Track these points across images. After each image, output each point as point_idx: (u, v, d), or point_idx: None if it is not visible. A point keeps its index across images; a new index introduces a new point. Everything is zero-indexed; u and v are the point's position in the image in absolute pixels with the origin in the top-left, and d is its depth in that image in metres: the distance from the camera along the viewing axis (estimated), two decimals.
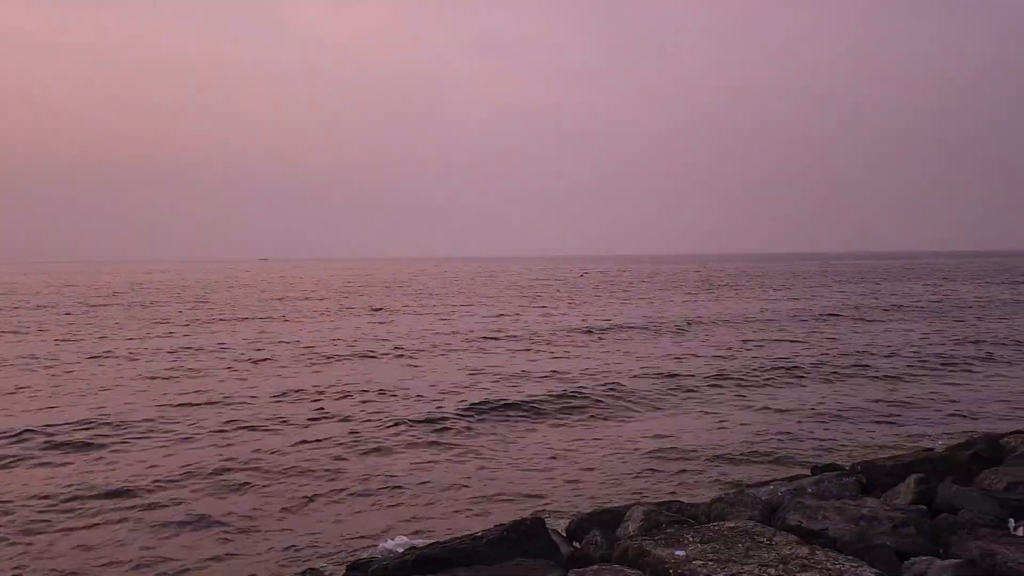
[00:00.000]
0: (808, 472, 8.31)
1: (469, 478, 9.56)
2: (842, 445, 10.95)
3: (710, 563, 4.91)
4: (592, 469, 9.89)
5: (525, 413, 13.12)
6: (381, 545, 7.08)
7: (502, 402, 13.84)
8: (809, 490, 6.85)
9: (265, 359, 19.99)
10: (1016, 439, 8.61)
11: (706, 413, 13.24)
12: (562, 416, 13.00)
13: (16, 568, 6.91)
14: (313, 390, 15.29)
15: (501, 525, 6.09)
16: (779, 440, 11.21)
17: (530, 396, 14.42)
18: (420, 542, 6.58)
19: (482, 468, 10.01)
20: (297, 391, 15.18)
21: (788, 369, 17.54)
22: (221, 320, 32.18)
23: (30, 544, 7.44)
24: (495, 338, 24.57)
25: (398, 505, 8.60)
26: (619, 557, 5.37)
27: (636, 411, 13.45)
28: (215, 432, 11.78)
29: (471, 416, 12.78)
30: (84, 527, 7.86)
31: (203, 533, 7.73)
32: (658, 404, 13.99)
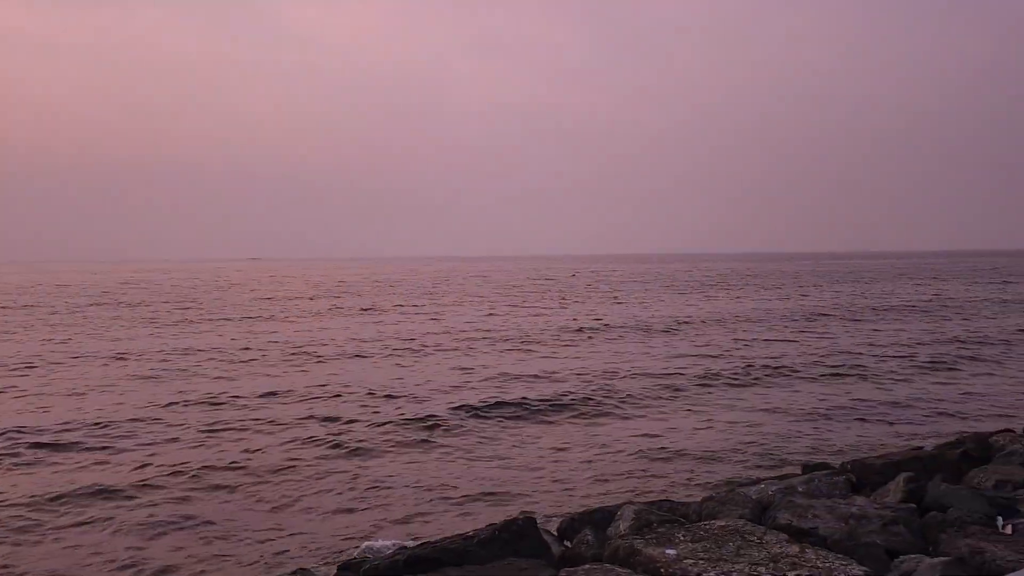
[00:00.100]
0: (798, 471, 8.32)
1: (459, 478, 9.53)
2: (832, 444, 10.97)
3: (701, 562, 4.90)
4: (583, 469, 9.88)
5: (515, 413, 13.10)
6: (367, 544, 7.04)
7: (492, 402, 13.81)
8: (799, 489, 6.86)
9: (253, 359, 19.90)
10: (1005, 438, 8.66)
11: (696, 413, 13.25)
12: (552, 416, 12.99)
13: (2, 568, 6.84)
14: (302, 390, 15.23)
15: (492, 525, 6.07)
16: (769, 439, 11.23)
17: (520, 396, 14.40)
18: (411, 542, 6.54)
19: (472, 468, 9.99)
20: (286, 391, 15.11)
21: (778, 369, 17.59)
22: (209, 320, 32.03)
23: (16, 545, 7.36)
24: (485, 338, 24.53)
25: (388, 505, 8.56)
26: (610, 556, 5.36)
27: (626, 411, 13.45)
28: (202, 432, 11.70)
29: (461, 416, 12.75)
30: (70, 528, 7.79)
31: (191, 533, 7.67)
32: (648, 404, 13.99)
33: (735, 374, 16.89)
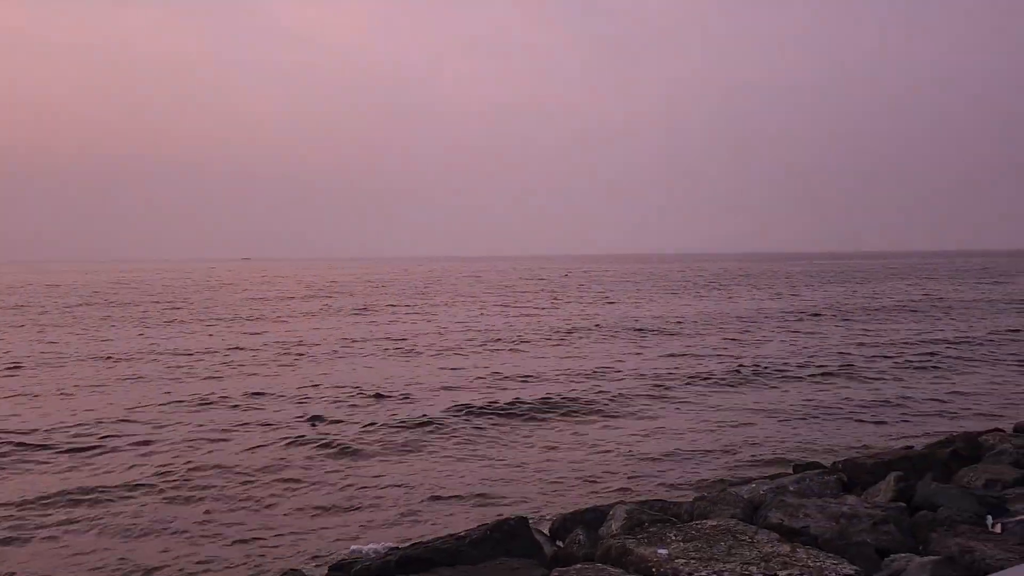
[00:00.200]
0: (790, 470, 8.35)
1: (450, 478, 9.51)
2: (823, 444, 11.00)
3: (692, 561, 4.90)
4: (574, 469, 9.87)
5: (507, 413, 13.08)
6: (356, 547, 7.01)
7: (483, 402, 13.80)
8: (791, 488, 6.88)
9: (243, 359, 19.82)
10: (994, 437, 8.71)
11: (687, 412, 13.27)
12: (543, 416, 12.98)
13: None
14: (293, 390, 15.18)
15: (484, 525, 6.06)
16: (760, 439, 11.25)
17: (511, 396, 14.38)
18: (403, 543, 6.52)
19: (463, 468, 9.96)
20: (276, 392, 15.06)
21: (770, 368, 17.63)
22: (200, 320, 31.90)
23: (4, 545, 7.29)
24: (476, 338, 24.51)
25: (379, 505, 8.53)
26: (602, 556, 5.36)
27: (617, 411, 13.45)
28: (192, 433, 11.64)
29: (452, 416, 12.72)
30: (58, 531, 7.71)
31: (180, 534, 7.62)
32: (640, 404, 14.00)
33: (726, 374, 16.92)
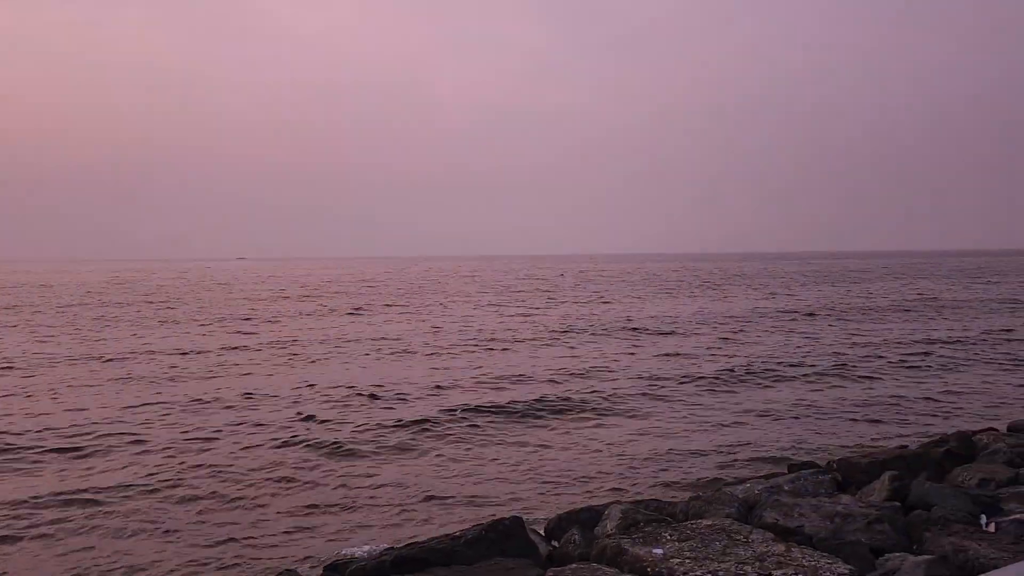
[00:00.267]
0: (785, 470, 8.36)
1: (446, 478, 9.50)
2: (817, 443, 11.02)
3: (687, 561, 4.90)
4: (569, 469, 9.87)
5: (501, 413, 13.07)
6: (350, 550, 6.99)
7: (478, 402, 13.79)
8: (786, 488, 6.89)
9: (238, 360, 19.77)
10: (988, 436, 8.74)
11: (683, 413, 13.27)
12: (538, 416, 12.97)
13: None
14: (287, 391, 15.14)
15: (480, 525, 6.05)
16: (755, 438, 11.27)
17: (506, 396, 14.38)
18: (397, 543, 6.51)
19: (458, 468, 9.95)
20: (271, 394, 15.02)
21: (765, 368, 17.65)
22: (193, 320, 31.81)
23: None
24: (471, 339, 24.50)
25: (374, 506, 8.51)
26: (597, 556, 5.36)
27: (613, 411, 13.46)
28: (186, 433, 11.60)
29: (447, 416, 12.71)
30: (50, 531, 7.68)
31: (174, 535, 7.59)
32: (635, 404, 14.01)
33: (721, 373, 16.94)
